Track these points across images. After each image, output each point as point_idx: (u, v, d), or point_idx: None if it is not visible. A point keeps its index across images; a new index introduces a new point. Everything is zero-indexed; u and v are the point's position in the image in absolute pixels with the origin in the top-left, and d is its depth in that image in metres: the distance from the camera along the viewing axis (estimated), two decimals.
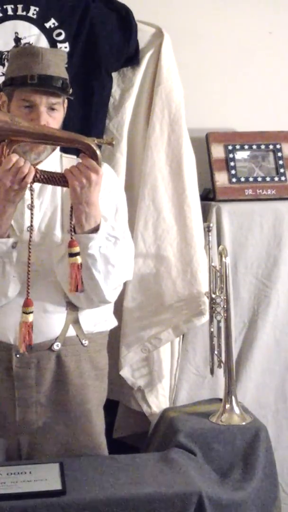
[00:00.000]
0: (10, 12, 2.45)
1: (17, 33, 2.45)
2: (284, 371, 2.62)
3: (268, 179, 2.69)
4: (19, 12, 2.46)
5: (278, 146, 2.72)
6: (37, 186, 1.99)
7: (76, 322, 2.04)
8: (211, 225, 2.43)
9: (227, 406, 2.26)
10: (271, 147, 2.72)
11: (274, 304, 2.58)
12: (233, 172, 2.66)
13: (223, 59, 2.78)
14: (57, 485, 1.85)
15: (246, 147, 2.70)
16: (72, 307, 2.03)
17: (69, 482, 1.87)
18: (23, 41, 2.45)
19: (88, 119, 2.47)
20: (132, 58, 2.51)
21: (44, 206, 2.04)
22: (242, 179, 2.67)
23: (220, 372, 2.37)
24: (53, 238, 2.02)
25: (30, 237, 1.94)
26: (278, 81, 2.83)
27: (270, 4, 2.81)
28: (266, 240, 2.57)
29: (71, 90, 2.03)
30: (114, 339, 2.40)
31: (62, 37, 2.47)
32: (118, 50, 2.48)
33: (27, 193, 1.93)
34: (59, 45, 2.46)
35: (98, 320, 2.10)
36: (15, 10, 2.46)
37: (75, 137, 1.90)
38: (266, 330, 2.58)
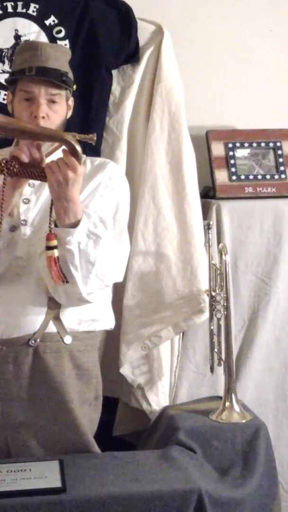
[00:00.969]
0: (10, 9, 2.45)
1: (17, 30, 2.45)
2: (284, 369, 2.62)
3: (268, 177, 2.69)
4: (19, 9, 2.46)
5: (278, 144, 2.72)
6: (36, 181, 1.98)
7: (57, 318, 2.01)
8: (211, 223, 2.42)
9: (227, 404, 2.26)
10: (271, 145, 2.72)
11: (274, 302, 2.58)
12: (233, 170, 2.66)
13: (223, 57, 2.77)
14: (57, 483, 1.85)
15: (246, 145, 2.70)
16: (54, 303, 2.00)
17: (69, 479, 1.87)
18: (23, 38, 2.45)
19: (88, 116, 2.47)
20: (132, 56, 2.51)
21: (40, 201, 2.04)
22: (242, 177, 2.66)
23: (220, 370, 2.36)
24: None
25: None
26: (279, 78, 2.83)
27: (270, 2, 2.81)
28: (266, 238, 2.57)
29: (75, 87, 2.03)
30: (114, 336, 2.41)
31: (62, 35, 2.47)
32: (118, 48, 2.48)
33: (26, 187, 1.93)
34: (59, 42, 2.45)
35: (83, 318, 2.07)
36: (15, 7, 2.46)
37: (55, 133, 1.88)
38: (266, 328, 2.58)
